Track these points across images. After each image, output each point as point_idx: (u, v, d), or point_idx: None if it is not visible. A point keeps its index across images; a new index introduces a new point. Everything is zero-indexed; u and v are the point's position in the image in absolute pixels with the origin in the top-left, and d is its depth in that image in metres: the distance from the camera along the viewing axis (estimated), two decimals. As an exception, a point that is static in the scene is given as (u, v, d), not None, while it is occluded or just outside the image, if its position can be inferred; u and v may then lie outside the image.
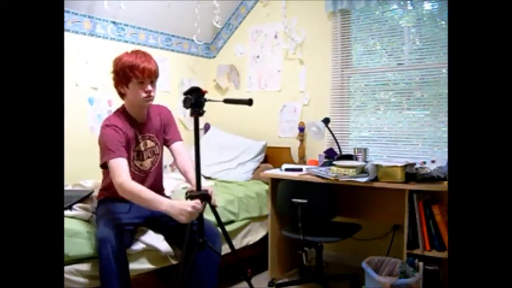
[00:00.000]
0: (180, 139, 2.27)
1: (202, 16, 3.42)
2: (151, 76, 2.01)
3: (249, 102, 1.89)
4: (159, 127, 2.21)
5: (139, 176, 2.13)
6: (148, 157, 2.17)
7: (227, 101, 1.94)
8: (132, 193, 1.88)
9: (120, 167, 1.91)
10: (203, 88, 1.84)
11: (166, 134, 2.24)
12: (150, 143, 2.17)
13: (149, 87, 2.02)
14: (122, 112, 2.11)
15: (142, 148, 2.13)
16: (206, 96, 1.85)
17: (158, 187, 2.23)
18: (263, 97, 3.61)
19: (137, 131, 2.11)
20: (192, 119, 1.86)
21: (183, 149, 2.25)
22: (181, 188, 2.83)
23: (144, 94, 2.01)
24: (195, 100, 1.80)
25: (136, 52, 2.03)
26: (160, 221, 2.15)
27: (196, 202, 1.84)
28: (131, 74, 1.97)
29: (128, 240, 2.00)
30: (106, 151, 1.94)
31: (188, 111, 1.84)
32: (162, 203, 1.87)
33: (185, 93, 1.83)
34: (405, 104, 2.98)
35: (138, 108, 2.10)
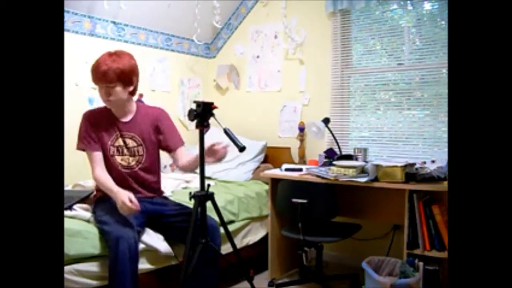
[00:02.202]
0: (182, 143, 2.25)
1: (202, 16, 3.42)
2: (106, 81, 1.99)
3: (241, 149, 1.92)
4: (145, 128, 2.17)
5: (122, 171, 2.13)
6: (132, 156, 2.15)
7: (226, 132, 1.96)
8: (99, 182, 2.07)
9: (93, 160, 2.09)
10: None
11: (165, 141, 2.20)
12: (131, 143, 2.15)
13: (104, 92, 2.03)
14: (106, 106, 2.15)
15: (122, 144, 2.13)
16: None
17: (147, 185, 2.20)
18: (263, 97, 3.61)
19: (116, 128, 2.13)
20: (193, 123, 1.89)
21: (187, 153, 2.25)
22: (181, 188, 2.83)
23: (104, 97, 2.05)
24: (200, 112, 1.86)
25: (110, 54, 2.04)
26: (160, 219, 2.15)
27: (127, 198, 1.90)
28: (92, 76, 2.04)
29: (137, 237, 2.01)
30: (80, 140, 2.11)
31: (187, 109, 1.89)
32: (113, 192, 1.97)
33: (195, 102, 1.91)
34: (405, 104, 2.98)
35: (116, 107, 2.12)
